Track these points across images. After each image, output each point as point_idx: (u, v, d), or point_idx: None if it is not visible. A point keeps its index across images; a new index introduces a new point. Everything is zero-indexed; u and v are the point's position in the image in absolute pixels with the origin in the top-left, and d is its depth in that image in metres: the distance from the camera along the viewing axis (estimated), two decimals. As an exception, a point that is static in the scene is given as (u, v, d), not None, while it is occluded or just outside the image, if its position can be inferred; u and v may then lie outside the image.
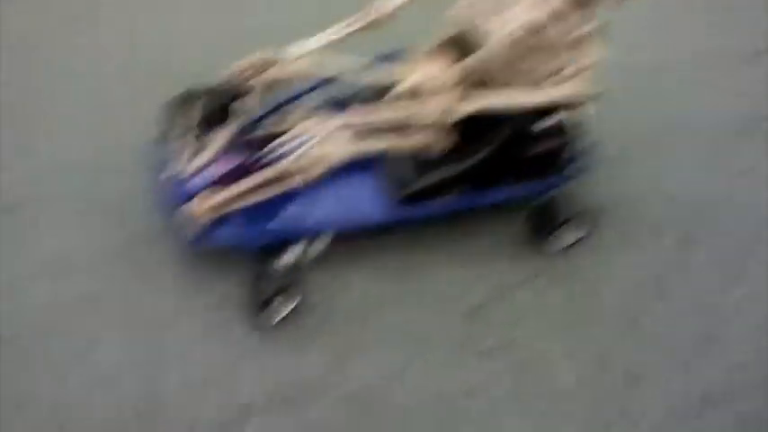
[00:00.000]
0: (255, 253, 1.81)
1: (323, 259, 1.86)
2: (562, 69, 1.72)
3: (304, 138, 1.69)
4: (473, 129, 1.77)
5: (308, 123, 1.72)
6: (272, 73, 1.85)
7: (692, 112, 2.41)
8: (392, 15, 1.88)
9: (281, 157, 1.70)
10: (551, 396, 1.72)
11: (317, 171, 1.71)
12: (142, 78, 2.49)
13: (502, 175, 1.87)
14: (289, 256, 1.82)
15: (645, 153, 2.27)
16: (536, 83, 1.73)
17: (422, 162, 1.84)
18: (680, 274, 1.96)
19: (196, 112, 1.83)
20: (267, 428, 1.63)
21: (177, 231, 1.80)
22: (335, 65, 1.93)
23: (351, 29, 1.88)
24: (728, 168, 2.26)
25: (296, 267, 1.81)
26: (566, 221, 1.91)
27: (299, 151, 1.69)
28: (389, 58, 1.99)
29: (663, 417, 1.70)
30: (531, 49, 1.66)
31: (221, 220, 1.77)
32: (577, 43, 1.69)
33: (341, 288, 1.90)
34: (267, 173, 1.72)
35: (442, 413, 1.68)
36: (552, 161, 1.91)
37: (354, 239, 1.92)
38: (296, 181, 1.72)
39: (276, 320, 1.80)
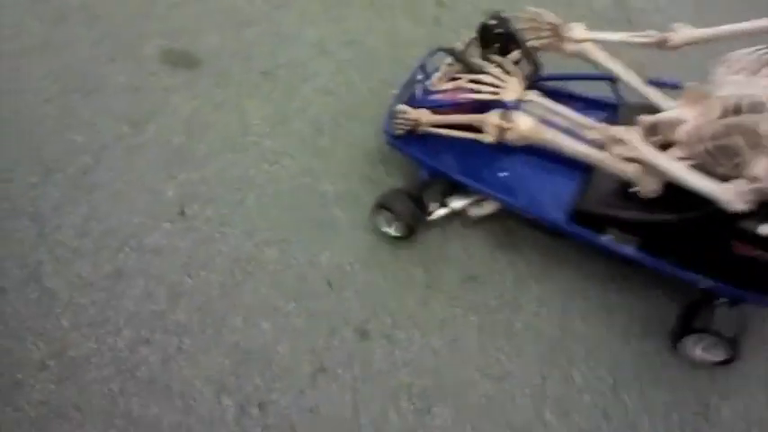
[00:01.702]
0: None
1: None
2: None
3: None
4: (680, 194, 1.64)
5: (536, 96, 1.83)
6: (551, 40, 2.00)
7: None
8: (678, 46, 1.90)
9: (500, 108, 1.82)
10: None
11: (513, 137, 1.81)
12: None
13: (680, 255, 1.75)
14: (455, 203, 2.02)
15: None
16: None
17: (618, 193, 1.78)
18: None
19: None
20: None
21: (385, 122, 2.05)
22: (613, 65, 1.91)
23: (639, 39, 1.96)
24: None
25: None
26: (705, 331, 1.74)
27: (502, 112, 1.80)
28: (658, 84, 1.95)
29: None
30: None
31: (421, 136, 2.00)
32: None
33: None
34: (470, 117, 1.86)
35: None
36: (753, 272, 1.66)
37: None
38: (486, 137, 1.82)
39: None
